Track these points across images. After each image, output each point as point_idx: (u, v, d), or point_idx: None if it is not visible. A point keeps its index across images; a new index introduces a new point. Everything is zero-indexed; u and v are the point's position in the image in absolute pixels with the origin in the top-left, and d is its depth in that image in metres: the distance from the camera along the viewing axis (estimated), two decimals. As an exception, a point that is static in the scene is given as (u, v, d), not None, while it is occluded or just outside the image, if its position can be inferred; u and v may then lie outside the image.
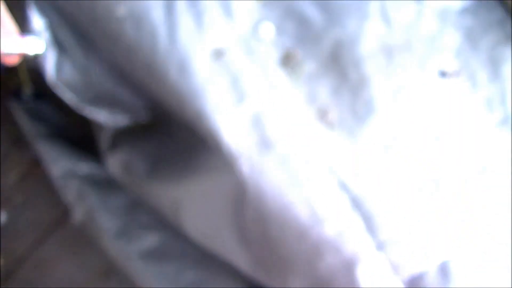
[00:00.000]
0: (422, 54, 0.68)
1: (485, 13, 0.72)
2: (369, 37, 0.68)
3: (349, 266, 0.60)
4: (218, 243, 0.74)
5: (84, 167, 0.94)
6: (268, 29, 0.67)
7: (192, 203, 0.71)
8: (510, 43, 0.70)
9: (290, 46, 0.68)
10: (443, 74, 0.67)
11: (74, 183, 0.92)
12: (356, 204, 0.59)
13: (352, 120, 0.64)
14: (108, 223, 0.92)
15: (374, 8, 0.69)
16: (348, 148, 0.63)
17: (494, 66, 0.69)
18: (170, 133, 0.78)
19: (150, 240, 0.92)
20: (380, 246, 0.59)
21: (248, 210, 0.65)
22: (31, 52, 0.38)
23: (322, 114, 0.65)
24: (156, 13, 0.66)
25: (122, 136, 0.81)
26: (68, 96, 0.73)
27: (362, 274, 0.60)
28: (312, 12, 0.69)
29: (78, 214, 0.93)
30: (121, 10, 0.67)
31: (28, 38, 0.37)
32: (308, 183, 0.60)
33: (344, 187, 0.60)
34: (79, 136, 0.98)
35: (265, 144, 0.61)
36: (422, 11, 0.70)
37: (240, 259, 0.73)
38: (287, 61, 0.67)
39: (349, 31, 0.68)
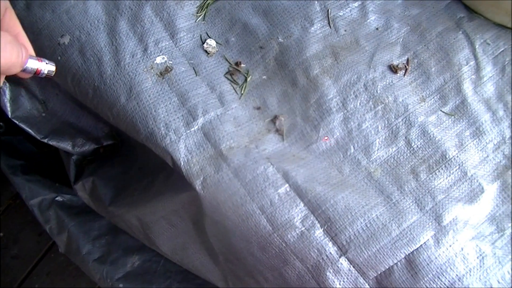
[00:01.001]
0: (369, 51, 0.68)
1: (430, 2, 0.71)
2: (315, 40, 0.67)
3: (315, 272, 0.59)
4: (189, 259, 0.73)
5: (61, 196, 0.94)
6: (212, 45, 0.67)
7: (158, 224, 0.71)
8: (460, 28, 0.69)
9: (235, 58, 0.68)
10: (392, 69, 0.66)
11: (53, 213, 0.93)
12: (312, 208, 0.59)
13: (304, 125, 0.64)
14: (90, 249, 0.92)
15: (317, 10, 0.69)
16: (301, 154, 0.63)
17: (445, 54, 0.68)
18: (133, 158, 0.78)
19: (132, 261, 0.92)
20: (343, 250, 0.58)
21: (208, 225, 0.64)
22: (45, 72, 0.43)
23: (273, 123, 0.64)
24: (100, 38, 0.66)
25: (88, 164, 0.81)
26: (27, 131, 0.74)
27: (329, 280, 0.59)
28: (255, 21, 0.69)
29: (60, 243, 0.93)
30: (66, 38, 0.67)
31: (44, 60, 0.42)
32: (262, 192, 0.59)
33: (299, 192, 0.59)
34: (55, 166, 0.98)
35: (218, 158, 0.61)
36: (365, 8, 0.70)
37: (213, 274, 0.73)
38: (233, 74, 0.67)
39: (294, 36, 0.67)
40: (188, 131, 0.63)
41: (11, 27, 0.42)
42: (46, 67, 0.43)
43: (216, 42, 0.68)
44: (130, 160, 0.78)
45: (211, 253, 0.69)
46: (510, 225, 0.60)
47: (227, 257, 0.66)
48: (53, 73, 0.43)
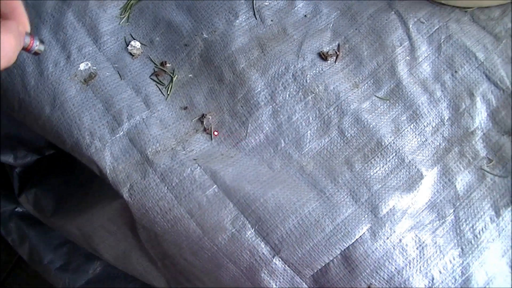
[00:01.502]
0: (298, 40, 0.65)
1: (361, -16, 0.68)
2: (240, 32, 0.65)
3: (250, 274, 0.57)
4: (133, 266, 0.71)
5: (20, 207, 0.93)
6: (136, 47, 0.65)
7: (97, 233, 0.69)
8: (392, 8, 0.66)
9: (160, 59, 0.65)
10: (322, 56, 0.63)
11: (13, 225, 0.91)
12: (242, 208, 0.56)
13: (233, 122, 0.61)
14: (52, 258, 0.91)
15: (241, 2, 0.66)
16: (230, 152, 0.60)
17: (377, 36, 0.65)
18: (72, 167, 0.76)
19: (94, 267, 0.91)
20: (276, 250, 0.55)
21: (140, 231, 0.62)
22: (34, 50, 0.43)
23: (201, 122, 0.62)
24: (19, 50, 0.64)
25: (31, 175, 0.79)
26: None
27: (264, 281, 0.56)
28: (179, 18, 0.66)
29: (23, 254, 0.92)
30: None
31: (36, 39, 0.42)
32: (190, 195, 0.57)
33: (227, 193, 0.57)
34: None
35: (144, 163, 0.59)
36: (292, -5, 0.67)
37: (157, 280, 0.71)
38: (159, 74, 0.64)
39: (219, 31, 0.65)
40: (113, 137, 0.60)
41: (8, 2, 0.40)
42: (37, 46, 0.43)
43: (141, 43, 0.66)
44: (70, 169, 0.76)
45: (151, 259, 0.67)
46: (452, 211, 0.57)
47: (164, 262, 0.64)
48: (42, 52, 0.44)
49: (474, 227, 0.57)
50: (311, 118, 0.60)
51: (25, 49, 0.42)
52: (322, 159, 0.59)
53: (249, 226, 0.56)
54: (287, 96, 0.61)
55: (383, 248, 0.55)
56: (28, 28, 0.42)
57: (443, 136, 0.61)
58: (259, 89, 0.62)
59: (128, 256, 0.69)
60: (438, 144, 0.60)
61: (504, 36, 0.65)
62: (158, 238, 0.59)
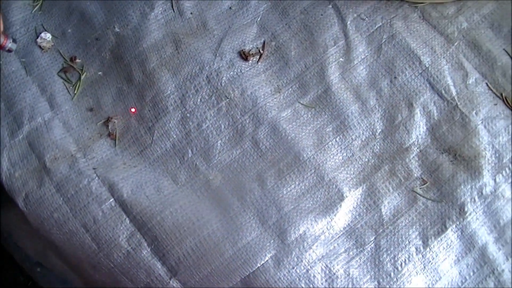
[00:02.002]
0: (218, 36, 0.58)
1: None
2: (155, 27, 0.58)
3: (148, 296, 0.53)
4: (51, 263, 0.68)
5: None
6: (47, 39, 0.59)
7: (16, 230, 0.66)
8: (330, 1, 0.58)
9: (71, 53, 0.60)
10: (243, 55, 0.56)
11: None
12: (138, 225, 0.51)
13: (139, 128, 0.55)
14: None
15: (159, -9, 0.59)
16: (133, 161, 0.55)
17: (309, 34, 0.57)
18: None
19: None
20: (172, 272, 0.50)
21: (43, 240, 0.58)
22: (6, 48, 0.47)
23: (106, 126, 0.56)
24: None
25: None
26: None
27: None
28: (92, 8, 0.60)
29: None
30: None
31: (9, 38, 0.46)
32: (85, 208, 0.52)
33: (124, 207, 0.52)
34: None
35: (41, 171, 0.54)
36: (215, -16, 0.59)
37: (75, 280, 0.67)
38: (67, 71, 0.59)
39: (132, 24, 0.58)
40: (12, 141, 0.56)
41: None
42: (10, 44, 0.46)
43: (52, 35, 0.60)
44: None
45: (65, 260, 0.63)
46: (372, 239, 0.51)
47: (74, 271, 0.60)
48: (13, 50, 0.47)
49: (396, 258, 0.50)
50: (223, 126, 0.54)
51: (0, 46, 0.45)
52: (231, 173, 0.53)
53: (145, 245, 0.51)
54: (199, 100, 0.55)
55: (287, 279, 0.49)
56: (1, 28, 0.44)
57: (373, 151, 0.53)
58: (169, 92, 0.55)
59: (47, 254, 0.66)
60: (366, 160, 0.53)
61: (457, 38, 0.56)
62: (58, 249, 0.55)
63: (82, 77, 0.58)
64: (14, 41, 0.47)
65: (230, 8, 0.59)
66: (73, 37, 0.60)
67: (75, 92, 0.58)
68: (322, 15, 0.57)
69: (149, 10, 0.58)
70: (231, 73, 0.55)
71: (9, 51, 0.47)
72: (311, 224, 0.51)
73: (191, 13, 0.58)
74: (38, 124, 0.56)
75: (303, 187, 0.52)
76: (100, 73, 0.58)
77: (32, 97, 0.57)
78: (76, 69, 0.58)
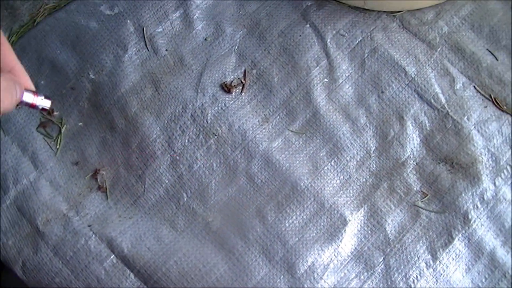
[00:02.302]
0: (197, 70, 0.56)
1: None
2: (131, 69, 0.56)
3: None
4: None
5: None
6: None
7: None
8: (307, 21, 0.57)
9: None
10: (225, 88, 0.55)
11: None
12: (144, 279, 0.50)
13: (129, 177, 0.54)
14: None
15: (130, 31, 0.57)
16: (128, 213, 0.53)
17: (290, 57, 0.56)
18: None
19: None
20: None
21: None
22: (40, 107, 0.42)
23: (95, 178, 0.55)
24: None
25: None
26: None
27: None
28: (64, 56, 0.58)
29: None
30: None
31: (40, 95, 0.42)
32: (87, 268, 0.51)
33: (127, 262, 0.50)
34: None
35: (35, 236, 0.52)
36: (189, 16, 0.57)
37: None
38: (46, 125, 0.56)
39: (107, 69, 0.56)
40: (0, 208, 0.53)
41: (6, 61, 0.40)
42: (41, 102, 0.42)
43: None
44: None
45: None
46: (381, 259, 0.50)
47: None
48: (48, 107, 0.42)
49: (408, 276, 0.50)
50: (215, 165, 0.53)
51: (31, 105, 0.41)
52: (230, 212, 0.52)
53: (151, 298, 0.50)
54: (186, 141, 0.53)
55: (302, 313, 0.48)
56: (29, 85, 0.41)
57: (369, 170, 0.53)
58: (155, 136, 0.54)
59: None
60: (364, 180, 0.52)
61: (439, 43, 0.55)
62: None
63: (63, 130, 0.56)
64: (47, 97, 0.42)
65: (206, 39, 0.57)
66: (47, 88, 0.57)
67: (58, 147, 0.56)
68: (300, 36, 0.56)
69: (123, 52, 0.56)
70: (216, 108, 0.54)
71: (44, 110, 0.42)
72: (318, 254, 0.50)
73: (166, 50, 0.56)
74: (24, 186, 0.54)
75: (304, 217, 0.51)
76: (80, 123, 0.56)
77: (13, 158, 0.55)
78: (55, 122, 0.56)
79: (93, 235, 0.51)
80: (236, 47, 0.56)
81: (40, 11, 0.59)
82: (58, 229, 0.52)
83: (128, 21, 0.56)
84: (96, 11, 0.57)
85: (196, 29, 0.57)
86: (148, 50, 0.56)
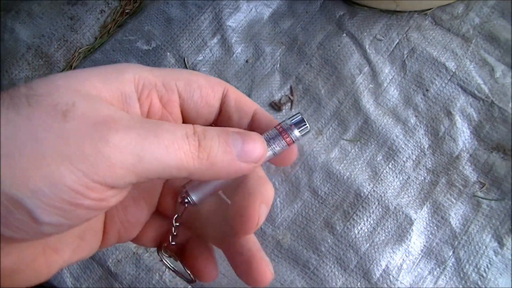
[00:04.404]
0: (245, 93, 0.57)
1: (301, 6, 0.59)
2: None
3: None
4: None
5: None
6: None
7: None
8: (343, 30, 0.58)
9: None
10: (275, 106, 0.56)
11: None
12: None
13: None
14: None
15: (172, 64, 0.57)
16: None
17: (333, 68, 0.57)
18: None
19: None
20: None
21: None
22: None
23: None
24: None
25: None
26: None
27: None
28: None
29: None
30: None
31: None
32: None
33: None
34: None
35: (108, 278, 0.53)
36: (227, 41, 0.58)
37: None
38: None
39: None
40: (68, 252, 0.54)
41: (244, 111, 0.30)
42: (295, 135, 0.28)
43: None
44: None
45: None
46: (451, 253, 0.52)
47: None
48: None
49: (479, 266, 0.52)
50: (277, 184, 0.54)
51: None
52: (298, 228, 0.53)
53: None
54: (246, 164, 0.54)
55: (385, 316, 0.49)
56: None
57: (426, 168, 0.54)
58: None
59: None
60: (422, 179, 0.54)
61: (473, 35, 0.57)
62: None
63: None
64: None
65: (247, 61, 0.57)
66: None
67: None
68: (339, 45, 0.57)
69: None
70: (269, 128, 0.55)
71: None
72: (391, 256, 0.51)
73: (210, 77, 0.57)
74: None
75: (372, 222, 0.53)
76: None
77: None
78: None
79: (166, 270, 0.52)
80: (278, 65, 0.57)
81: (75, 56, 0.59)
82: (130, 268, 0.53)
83: (168, 53, 0.57)
84: (133, 47, 0.58)
85: (236, 53, 0.57)
86: (192, 79, 0.57)
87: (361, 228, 0.52)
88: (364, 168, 0.54)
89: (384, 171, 0.54)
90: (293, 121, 0.28)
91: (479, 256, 0.52)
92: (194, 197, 0.29)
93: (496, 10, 0.58)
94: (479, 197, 0.53)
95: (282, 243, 0.53)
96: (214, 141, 0.24)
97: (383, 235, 0.52)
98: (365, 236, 0.52)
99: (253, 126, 0.30)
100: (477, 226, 0.53)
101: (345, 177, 0.53)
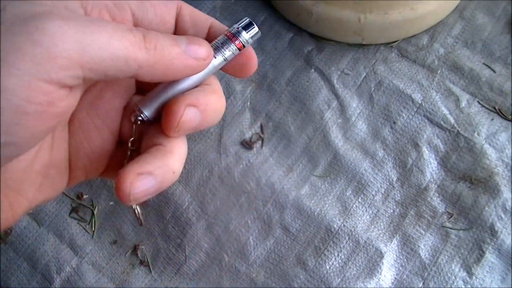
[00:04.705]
0: (216, 132, 0.58)
1: (270, 42, 0.60)
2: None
3: None
4: None
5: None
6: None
7: None
8: (311, 66, 0.58)
9: (75, 190, 0.59)
10: (246, 145, 0.57)
11: None
12: None
13: (168, 247, 0.55)
14: None
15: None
16: (173, 282, 0.55)
17: (302, 104, 0.58)
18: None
19: None
20: None
21: None
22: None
23: (135, 254, 0.56)
24: None
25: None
26: None
27: None
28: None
29: None
30: None
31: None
32: None
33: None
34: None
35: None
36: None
37: None
38: (78, 210, 0.58)
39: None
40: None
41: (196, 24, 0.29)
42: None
43: (49, 177, 0.59)
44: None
45: None
46: (421, 285, 0.53)
47: None
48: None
49: (449, 296, 0.53)
50: (249, 222, 0.55)
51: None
52: (271, 265, 0.54)
53: None
54: (218, 203, 0.55)
55: None
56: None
57: (395, 200, 0.55)
58: (187, 204, 0.55)
59: None
60: (391, 211, 0.55)
61: (438, 66, 0.58)
62: None
63: (95, 212, 0.57)
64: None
65: (217, 100, 0.58)
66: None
67: (93, 229, 0.57)
68: (307, 81, 0.58)
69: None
70: (241, 166, 0.56)
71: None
72: (363, 290, 0.53)
73: (181, 118, 0.58)
74: (68, 274, 0.55)
75: (343, 257, 0.54)
76: (111, 203, 0.58)
77: (52, 247, 0.57)
78: (86, 205, 0.58)
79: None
80: (249, 103, 0.58)
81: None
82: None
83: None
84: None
85: (205, 92, 0.58)
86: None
87: (332, 263, 0.54)
88: (334, 204, 0.55)
89: (354, 206, 0.55)
90: (241, 24, 0.29)
91: (448, 286, 0.53)
92: (146, 112, 0.29)
93: (460, 40, 0.59)
94: (447, 227, 0.55)
95: (256, 280, 0.54)
96: (158, 35, 0.24)
97: (354, 269, 0.53)
98: (337, 271, 0.53)
99: (210, 40, 0.30)
100: (446, 257, 0.54)
101: (315, 213, 0.55)
